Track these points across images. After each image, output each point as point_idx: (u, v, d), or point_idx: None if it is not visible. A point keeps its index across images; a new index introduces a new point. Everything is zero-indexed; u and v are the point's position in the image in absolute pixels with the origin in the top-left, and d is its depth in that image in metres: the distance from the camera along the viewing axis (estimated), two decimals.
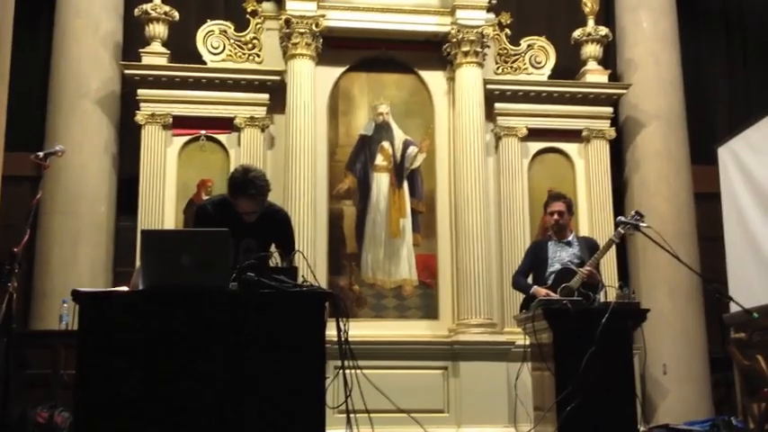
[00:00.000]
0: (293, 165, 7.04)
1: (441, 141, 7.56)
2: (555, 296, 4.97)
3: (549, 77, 7.80)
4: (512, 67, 7.80)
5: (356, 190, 7.44)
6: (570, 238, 5.38)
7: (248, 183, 3.92)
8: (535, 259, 5.41)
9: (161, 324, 3.34)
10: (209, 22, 7.51)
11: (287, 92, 7.21)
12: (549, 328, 4.74)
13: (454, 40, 7.38)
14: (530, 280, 5.43)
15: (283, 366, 3.36)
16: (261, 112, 7.31)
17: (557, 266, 5.26)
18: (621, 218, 5.14)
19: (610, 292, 5.22)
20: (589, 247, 5.36)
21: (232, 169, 4.42)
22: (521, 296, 5.56)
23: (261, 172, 4.04)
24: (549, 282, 5.21)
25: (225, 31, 7.48)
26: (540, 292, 5.11)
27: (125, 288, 3.84)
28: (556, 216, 5.32)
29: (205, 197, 6.77)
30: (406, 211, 7.44)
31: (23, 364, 5.02)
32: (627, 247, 7.91)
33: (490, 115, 7.55)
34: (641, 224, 4.94)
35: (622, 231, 5.03)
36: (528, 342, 5.07)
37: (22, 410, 5.06)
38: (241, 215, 3.99)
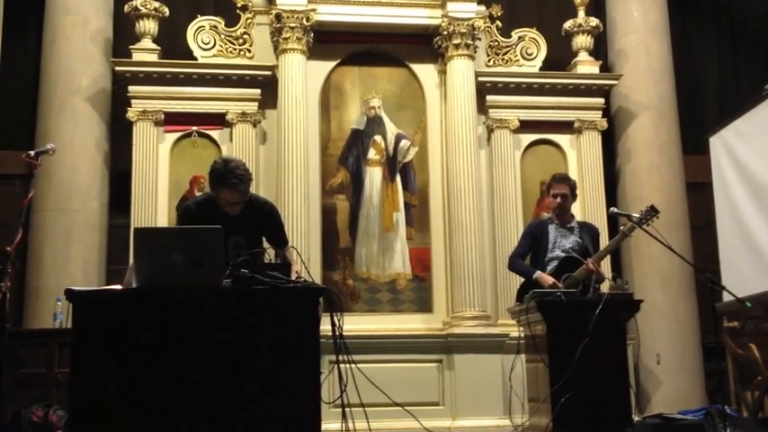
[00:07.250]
0: (286, 160, 7.04)
1: (433, 134, 7.55)
2: (561, 286, 4.88)
3: (541, 69, 7.81)
4: (503, 59, 7.80)
5: (349, 184, 7.44)
6: (572, 224, 5.28)
7: (228, 172, 3.92)
8: (534, 241, 5.28)
9: (155, 322, 3.34)
10: (200, 18, 7.49)
11: (278, 87, 7.20)
12: (542, 319, 4.74)
13: (445, 32, 7.38)
14: (526, 262, 5.32)
15: (278, 362, 3.36)
16: (252, 107, 7.30)
17: (557, 253, 5.16)
18: (635, 214, 4.94)
19: (604, 283, 5.21)
20: (591, 234, 5.29)
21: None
22: (515, 288, 5.52)
23: (241, 162, 4.04)
24: (550, 268, 5.12)
25: (215, 27, 7.46)
26: (547, 280, 4.98)
27: (118, 286, 3.84)
28: (559, 199, 5.19)
29: (198, 193, 6.76)
30: (400, 205, 7.44)
31: (18, 364, 5.00)
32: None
33: (482, 107, 7.56)
34: (655, 218, 4.83)
35: (643, 226, 4.81)
36: (522, 334, 5.09)
37: (17, 410, 5.04)
38: (226, 211, 3.98)
